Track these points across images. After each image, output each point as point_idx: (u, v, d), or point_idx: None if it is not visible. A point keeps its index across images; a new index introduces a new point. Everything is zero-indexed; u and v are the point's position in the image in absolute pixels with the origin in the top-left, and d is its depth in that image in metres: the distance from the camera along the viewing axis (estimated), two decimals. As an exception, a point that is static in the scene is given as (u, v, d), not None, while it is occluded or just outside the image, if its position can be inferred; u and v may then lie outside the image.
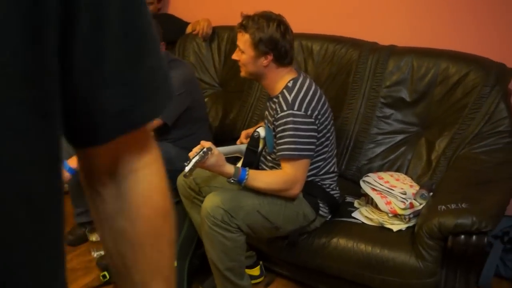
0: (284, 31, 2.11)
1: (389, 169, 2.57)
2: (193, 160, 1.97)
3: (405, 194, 2.21)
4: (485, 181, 2.17)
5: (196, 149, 2.03)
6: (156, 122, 2.56)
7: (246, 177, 2.09)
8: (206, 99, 3.19)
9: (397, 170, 2.55)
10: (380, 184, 2.30)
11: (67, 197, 2.98)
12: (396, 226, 2.20)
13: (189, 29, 3.48)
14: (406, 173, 2.52)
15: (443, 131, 2.49)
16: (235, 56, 2.24)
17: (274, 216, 2.14)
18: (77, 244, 2.89)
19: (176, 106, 2.60)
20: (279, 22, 2.11)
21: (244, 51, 2.16)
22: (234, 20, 2.25)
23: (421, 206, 2.19)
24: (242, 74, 2.26)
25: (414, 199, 2.21)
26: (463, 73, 2.45)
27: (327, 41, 2.89)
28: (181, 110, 2.63)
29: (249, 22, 2.12)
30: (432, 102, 2.55)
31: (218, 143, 2.18)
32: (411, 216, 2.20)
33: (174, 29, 3.45)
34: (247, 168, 2.13)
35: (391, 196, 2.24)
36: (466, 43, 2.57)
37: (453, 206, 1.94)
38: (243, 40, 2.15)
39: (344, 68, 2.79)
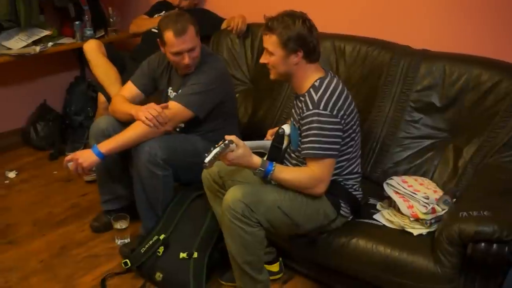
0: (310, 27, 2.11)
1: (414, 173, 2.54)
2: (214, 151, 1.99)
3: (427, 198, 2.20)
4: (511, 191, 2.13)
5: (220, 143, 2.05)
6: (188, 114, 2.59)
7: (273, 168, 2.11)
8: (236, 95, 3.20)
9: (423, 175, 2.52)
10: (404, 188, 2.29)
11: (95, 184, 3.04)
12: (417, 230, 2.18)
13: (224, 25, 3.52)
14: (431, 179, 2.49)
15: (472, 138, 2.46)
16: (263, 60, 2.21)
17: (295, 213, 2.15)
18: (102, 231, 2.95)
19: (209, 99, 2.63)
20: (304, 19, 2.11)
21: (273, 52, 2.14)
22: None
23: (444, 211, 2.17)
24: (272, 76, 2.24)
25: (437, 205, 2.20)
26: (496, 81, 2.41)
27: (359, 43, 2.88)
28: (214, 104, 2.66)
29: (274, 22, 2.11)
30: (463, 109, 2.51)
31: (245, 139, 2.19)
32: (433, 221, 2.18)
33: (209, 24, 3.48)
34: (273, 162, 2.15)
35: (413, 200, 2.22)
36: (499, 50, 2.53)
37: (475, 213, 1.91)
38: (271, 41, 2.13)
39: (376, 70, 2.78)
